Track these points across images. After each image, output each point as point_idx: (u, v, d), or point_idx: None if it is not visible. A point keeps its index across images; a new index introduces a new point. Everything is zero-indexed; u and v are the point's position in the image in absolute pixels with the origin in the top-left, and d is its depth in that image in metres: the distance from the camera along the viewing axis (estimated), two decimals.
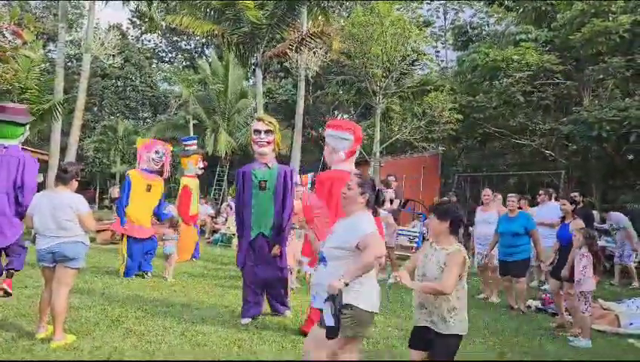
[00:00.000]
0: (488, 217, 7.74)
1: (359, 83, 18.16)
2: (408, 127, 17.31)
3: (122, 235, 8.05)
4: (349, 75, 18.74)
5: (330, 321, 2.99)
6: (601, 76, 13.68)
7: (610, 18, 12.89)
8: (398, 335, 5.38)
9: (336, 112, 24.64)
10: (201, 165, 10.43)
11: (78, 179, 4.75)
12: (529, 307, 7.23)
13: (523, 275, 7.08)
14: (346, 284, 3.02)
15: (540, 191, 9.09)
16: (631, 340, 5.82)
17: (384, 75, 16.52)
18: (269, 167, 5.74)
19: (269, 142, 5.70)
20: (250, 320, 5.53)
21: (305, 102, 19.26)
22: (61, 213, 4.46)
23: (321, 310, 3.15)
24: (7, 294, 5.96)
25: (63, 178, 4.59)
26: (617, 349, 5.46)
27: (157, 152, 8.35)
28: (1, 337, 4.53)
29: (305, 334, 4.89)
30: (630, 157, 13.95)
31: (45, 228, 4.46)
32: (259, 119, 5.87)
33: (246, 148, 22.04)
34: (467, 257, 3.25)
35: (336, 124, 5.53)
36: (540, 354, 5.10)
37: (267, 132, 5.69)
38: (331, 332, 2.99)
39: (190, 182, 10.27)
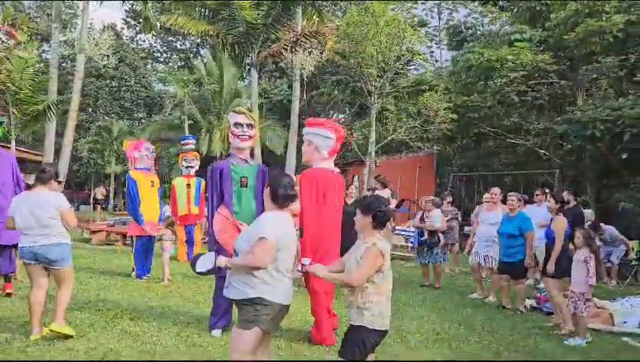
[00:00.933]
0: (493, 217, 7.68)
1: (354, 83, 18.16)
2: (403, 126, 17.32)
3: (124, 236, 8.16)
4: (344, 75, 18.74)
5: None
6: (595, 76, 13.75)
7: (604, 18, 12.95)
8: (393, 335, 5.38)
9: (331, 112, 24.65)
10: (186, 163, 10.13)
11: (58, 180, 4.94)
12: (524, 306, 7.25)
13: (522, 276, 7.10)
14: (228, 267, 3.26)
15: (537, 191, 9.04)
16: (625, 338, 5.85)
17: (379, 74, 16.53)
18: (249, 164, 5.36)
19: (250, 137, 5.36)
20: (221, 332, 5.06)
21: (300, 103, 19.24)
22: (42, 211, 4.56)
23: (233, 301, 3.32)
24: (8, 295, 6.12)
25: (41, 178, 4.73)
26: (611, 347, 5.49)
27: (147, 148, 8.43)
28: None
29: (317, 342, 4.88)
30: (624, 156, 14.01)
31: (27, 227, 4.55)
32: (239, 112, 5.44)
33: None
34: (383, 251, 3.18)
35: (318, 122, 5.48)
36: (535, 352, 5.12)
37: (249, 126, 5.33)
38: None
39: (177, 181, 10.16)
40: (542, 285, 8.72)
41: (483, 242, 7.78)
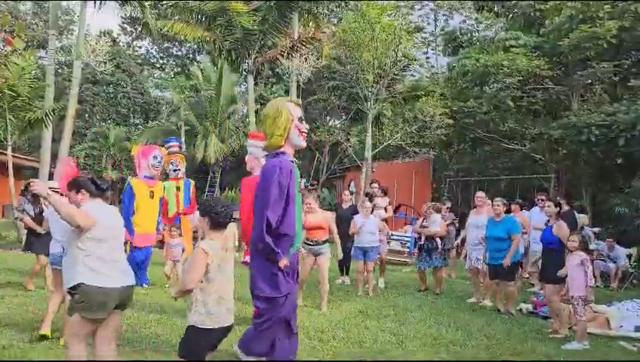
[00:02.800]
0: (480, 221, 7.79)
1: (351, 88, 18.23)
2: (400, 132, 17.39)
3: (125, 242, 7.95)
4: (340, 80, 18.81)
5: None
6: (589, 81, 13.86)
7: (598, 24, 13.06)
8: (390, 340, 5.40)
9: (328, 118, 24.70)
10: (172, 167, 9.61)
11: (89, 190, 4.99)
12: (520, 310, 7.28)
13: (512, 279, 7.12)
14: None
15: (542, 196, 9.08)
16: (621, 342, 5.88)
17: (375, 80, 16.61)
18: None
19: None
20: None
21: None
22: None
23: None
24: None
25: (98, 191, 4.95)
26: (608, 351, 5.51)
27: (155, 157, 8.22)
28: None
29: None
30: (619, 160, 14.11)
31: (57, 234, 4.75)
32: (298, 104, 4.60)
33: (238, 153, 22.05)
34: (208, 251, 3.22)
35: (258, 136, 6.02)
36: (532, 356, 5.14)
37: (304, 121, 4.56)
38: None
39: (166, 185, 9.37)
40: (536, 288, 8.83)
41: (473, 246, 7.86)
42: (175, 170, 9.65)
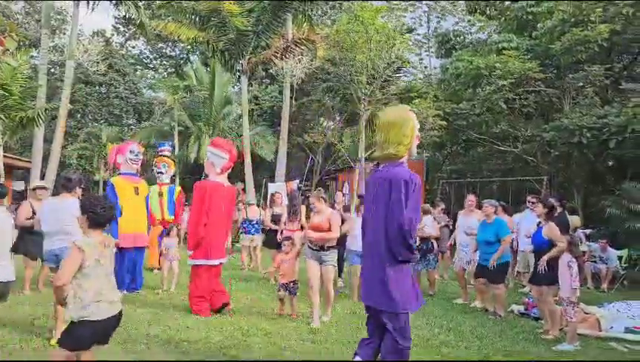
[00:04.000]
0: (469, 223, 7.83)
1: (344, 90, 18.25)
2: None
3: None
4: (334, 82, 18.82)
5: None
6: (581, 84, 13.94)
7: (590, 27, 13.16)
8: None
9: (321, 119, 24.71)
10: (156, 169, 9.61)
11: (82, 186, 5.22)
12: (512, 311, 7.31)
13: (501, 281, 7.11)
14: None
15: (532, 199, 9.05)
16: (612, 343, 5.92)
17: (369, 81, 16.63)
18: None
19: None
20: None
21: (290, 109, 19.31)
22: (63, 218, 4.87)
23: None
24: None
25: (67, 186, 5.15)
26: (598, 352, 5.55)
27: (132, 151, 7.79)
28: None
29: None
30: (610, 163, 14.23)
31: (50, 232, 4.98)
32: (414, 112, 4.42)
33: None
34: (82, 248, 3.29)
35: (217, 143, 6.62)
36: (523, 357, 5.17)
37: None
38: None
39: (151, 189, 9.06)
40: (526, 289, 8.87)
41: (463, 248, 7.89)
42: (159, 173, 9.48)
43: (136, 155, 7.82)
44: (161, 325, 5.59)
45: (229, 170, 6.60)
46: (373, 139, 18.49)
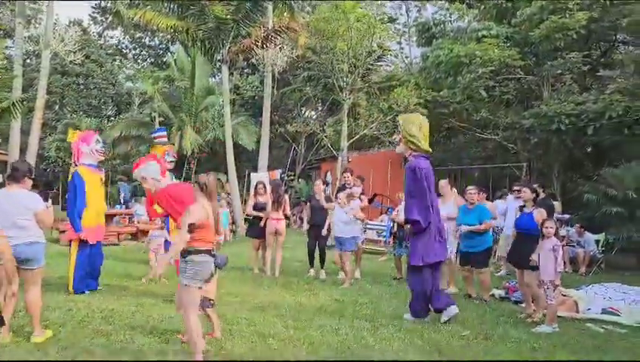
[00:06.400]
0: (447, 210, 7.85)
1: (326, 79, 18.22)
2: (375, 122, 17.45)
3: (70, 241, 6.97)
4: (315, 70, 18.78)
5: None
6: (560, 71, 14.11)
7: (568, 15, 13.30)
8: (366, 327, 5.48)
9: (303, 109, 24.66)
10: (168, 158, 9.52)
11: (31, 176, 4.74)
12: (492, 295, 7.43)
13: (485, 265, 7.25)
14: None
15: (516, 186, 9.19)
16: (589, 324, 6.07)
17: (350, 70, 16.63)
18: None
19: None
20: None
21: (272, 99, 19.21)
22: (17, 212, 4.43)
23: None
24: None
25: (14, 177, 4.59)
26: (576, 333, 5.68)
27: (98, 141, 7.31)
28: None
29: None
30: (588, 149, 14.47)
31: (3, 227, 4.42)
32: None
33: (213, 145, 21.86)
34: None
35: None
36: (503, 339, 5.27)
37: None
38: None
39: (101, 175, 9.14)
40: (502, 272, 9.02)
41: None
42: (171, 161, 8.97)
43: (103, 146, 7.49)
44: (145, 315, 5.57)
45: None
46: (355, 127, 18.56)
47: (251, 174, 17.32)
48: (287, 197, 9.48)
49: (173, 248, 4.16)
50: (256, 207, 9.08)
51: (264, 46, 15.61)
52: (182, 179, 21.92)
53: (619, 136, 12.37)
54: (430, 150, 6.24)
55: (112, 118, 28.85)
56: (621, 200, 10.76)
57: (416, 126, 6.17)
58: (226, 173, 17.11)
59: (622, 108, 11.63)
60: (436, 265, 5.99)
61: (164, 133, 9.56)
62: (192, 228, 4.05)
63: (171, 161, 8.50)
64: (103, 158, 7.52)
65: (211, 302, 4.90)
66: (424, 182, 5.91)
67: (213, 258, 4.18)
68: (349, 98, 17.32)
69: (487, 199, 9.23)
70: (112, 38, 34.82)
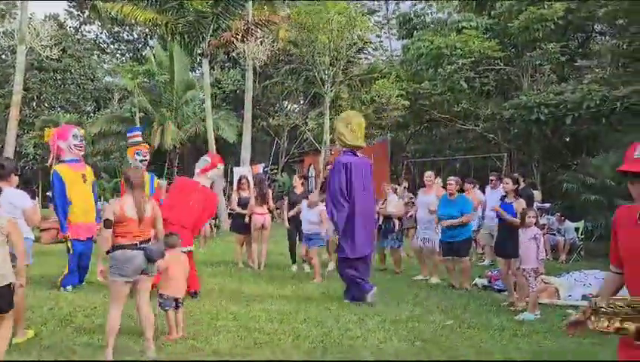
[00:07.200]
0: (428, 199, 7.94)
1: (307, 72, 18.17)
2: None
3: (66, 239, 7.00)
4: (297, 64, 18.71)
5: None
6: (539, 62, 14.26)
7: (546, 6, 13.43)
8: (351, 319, 5.50)
9: (285, 102, 24.58)
10: (139, 157, 9.20)
11: (18, 173, 4.69)
12: (475, 285, 7.52)
13: (466, 255, 7.35)
14: None
15: (492, 177, 9.37)
16: (569, 310, 6.17)
17: (332, 63, 16.60)
18: None
19: None
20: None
21: (254, 92, 19.10)
22: (4, 210, 4.29)
23: None
24: None
25: (1, 174, 4.51)
26: (557, 319, 5.77)
27: (75, 136, 7.14)
28: None
29: None
30: (567, 139, 14.67)
31: None
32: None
33: (195, 140, 21.70)
34: None
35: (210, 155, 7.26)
36: (486, 327, 5.34)
37: None
38: None
39: (89, 168, 8.44)
40: (486, 262, 9.12)
41: (422, 224, 8.02)
42: (142, 161, 8.89)
43: (81, 140, 7.29)
44: (124, 314, 5.51)
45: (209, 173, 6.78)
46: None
47: (234, 168, 17.22)
48: (270, 191, 9.46)
49: (100, 248, 4.22)
50: (240, 202, 9.05)
51: (244, 39, 15.48)
52: (164, 174, 21.75)
53: (596, 125, 12.58)
54: (360, 145, 6.45)
55: (92, 114, 28.46)
56: (599, 188, 10.95)
57: (344, 123, 6.48)
58: None
59: (599, 98, 11.81)
60: (365, 257, 6.26)
61: (138, 132, 9.22)
62: (110, 224, 4.04)
63: (143, 160, 8.19)
64: (83, 152, 7.39)
65: (178, 300, 4.80)
66: (342, 177, 6.07)
67: (143, 251, 4.12)
68: (331, 91, 17.29)
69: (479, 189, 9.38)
70: (89, 32, 34.26)
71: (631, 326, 2.07)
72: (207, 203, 6.68)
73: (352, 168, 6.13)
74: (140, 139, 8.97)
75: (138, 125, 19.87)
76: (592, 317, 2.23)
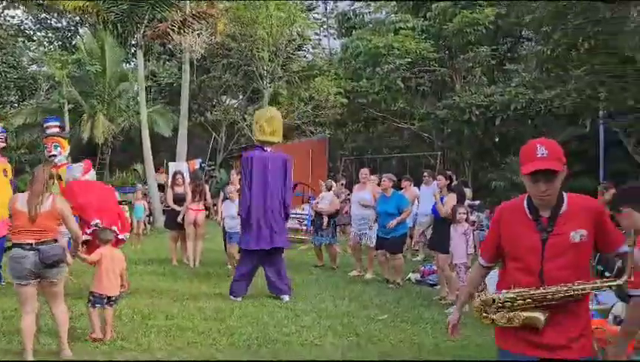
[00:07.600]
0: (362, 196, 8.07)
1: (246, 67, 17.95)
2: (296, 111, 17.47)
3: None
4: (235, 58, 18.44)
5: None
6: (471, 64, 14.80)
7: (478, 10, 13.96)
8: (287, 316, 5.52)
9: (224, 97, 24.16)
10: (49, 151, 7.80)
11: None
12: (409, 279, 7.72)
13: (400, 251, 7.51)
14: None
15: (425, 173, 9.69)
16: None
17: (270, 58, 16.50)
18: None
19: None
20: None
21: (191, 86, 18.65)
22: None
23: None
24: None
25: None
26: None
27: None
28: None
29: None
30: (496, 139, 15.33)
31: None
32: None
33: (128, 133, 20.95)
34: None
35: None
36: (418, 321, 5.50)
37: None
38: None
39: (6, 162, 7.73)
40: (419, 258, 9.36)
41: (357, 221, 8.15)
42: (51, 156, 7.68)
43: (2, 132, 7.04)
44: (45, 314, 5.24)
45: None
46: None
47: (169, 164, 16.77)
48: (207, 187, 9.29)
49: None
50: (175, 198, 8.83)
51: (181, 31, 15.06)
52: (95, 168, 20.84)
53: (522, 127, 13.22)
54: (266, 140, 6.71)
55: (16, 105, 26.82)
56: (524, 186, 11.50)
57: (255, 120, 6.90)
58: (142, 162, 16.46)
59: (525, 101, 12.43)
60: (275, 251, 6.34)
61: (55, 122, 8.44)
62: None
63: (52, 155, 7.49)
64: (4, 145, 7.05)
65: (110, 298, 4.61)
66: (246, 171, 6.34)
67: (32, 252, 3.82)
68: (270, 87, 17.18)
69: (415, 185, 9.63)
70: (13, 18, 32.21)
71: (540, 317, 2.18)
72: (104, 191, 6.78)
73: (254, 162, 6.34)
74: (55, 130, 8.15)
75: (67, 117, 18.95)
76: (487, 312, 2.30)
